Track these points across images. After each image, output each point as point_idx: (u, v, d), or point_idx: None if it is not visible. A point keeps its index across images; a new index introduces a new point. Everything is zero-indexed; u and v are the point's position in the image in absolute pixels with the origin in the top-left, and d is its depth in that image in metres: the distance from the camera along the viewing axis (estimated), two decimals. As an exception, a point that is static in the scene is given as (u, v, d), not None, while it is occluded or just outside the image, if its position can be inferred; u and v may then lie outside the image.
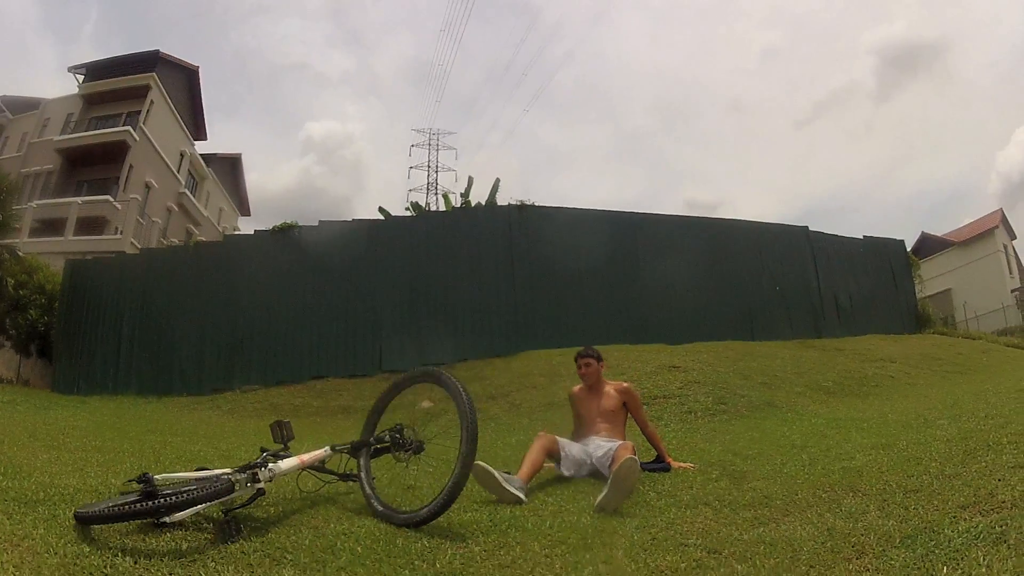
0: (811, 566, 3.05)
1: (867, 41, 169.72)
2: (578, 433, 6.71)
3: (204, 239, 36.99)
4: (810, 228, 22.17)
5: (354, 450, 4.80)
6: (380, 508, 4.33)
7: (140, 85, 41.15)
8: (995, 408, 7.49)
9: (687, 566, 3.21)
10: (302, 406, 14.65)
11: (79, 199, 37.28)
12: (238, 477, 3.94)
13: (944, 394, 11.29)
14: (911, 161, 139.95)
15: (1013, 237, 51.95)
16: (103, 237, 35.57)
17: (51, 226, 35.47)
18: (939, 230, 53.22)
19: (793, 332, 19.03)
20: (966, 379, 14.43)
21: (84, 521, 3.59)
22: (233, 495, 3.84)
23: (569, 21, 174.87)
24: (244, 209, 57.70)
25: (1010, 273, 48.91)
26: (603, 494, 4.64)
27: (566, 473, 6.14)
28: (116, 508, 3.61)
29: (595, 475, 5.93)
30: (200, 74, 48.99)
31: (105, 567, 3.02)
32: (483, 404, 12.96)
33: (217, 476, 4.07)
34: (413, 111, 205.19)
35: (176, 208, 44.08)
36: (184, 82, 47.28)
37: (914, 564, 2.90)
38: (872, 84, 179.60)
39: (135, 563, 3.09)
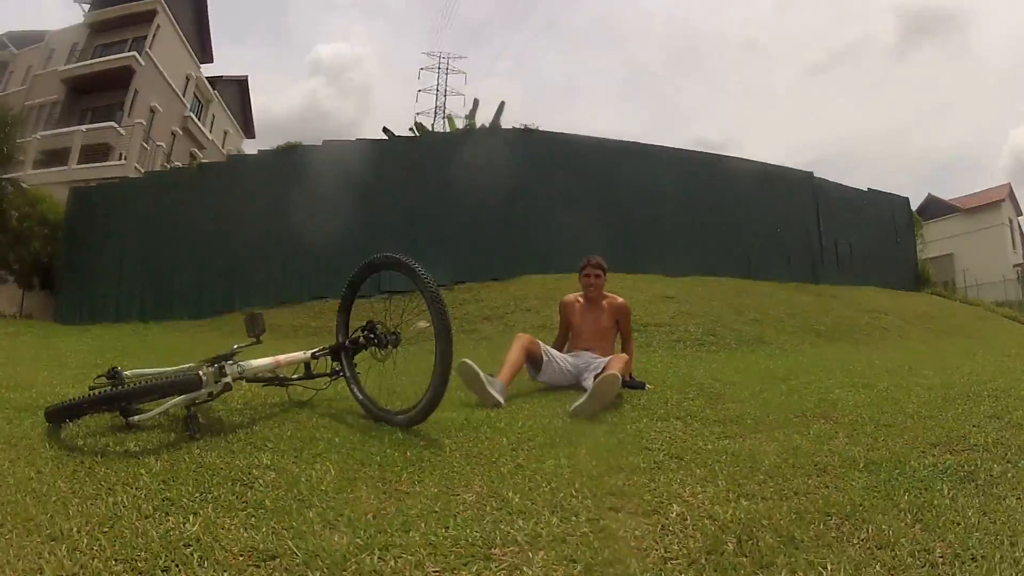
0: (769, 476, 3.09)
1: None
2: (566, 343, 6.64)
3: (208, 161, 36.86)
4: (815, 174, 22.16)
5: (334, 353, 4.73)
6: (360, 396, 4.38)
7: (146, 10, 40.65)
8: (982, 366, 7.55)
9: (647, 466, 3.28)
10: (301, 326, 14.87)
11: (83, 127, 37.02)
12: (206, 371, 3.85)
13: (934, 350, 11.36)
14: (921, 123, 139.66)
15: (1019, 213, 51.75)
16: (107, 164, 35.28)
17: (55, 156, 35.19)
18: (944, 195, 53.00)
19: (790, 275, 19.15)
20: (958, 340, 14.52)
21: (54, 417, 3.76)
22: (201, 391, 3.81)
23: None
24: (249, 132, 57.08)
25: (1013, 248, 48.75)
26: (580, 401, 4.71)
27: (541, 379, 6.14)
28: (91, 397, 3.74)
29: (576, 387, 5.93)
30: (207, -4, 48.45)
31: (96, 456, 3.24)
32: (478, 324, 13.43)
33: (184, 370, 4.09)
34: (423, 34, 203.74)
35: (181, 132, 43.75)
36: (191, 5, 46.67)
37: (875, 488, 2.91)
38: (889, 41, 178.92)
39: (124, 453, 3.32)
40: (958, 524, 2.48)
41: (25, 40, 42.33)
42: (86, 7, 42.09)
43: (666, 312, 12.52)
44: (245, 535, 2.33)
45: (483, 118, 29.34)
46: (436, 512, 2.59)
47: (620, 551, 2.26)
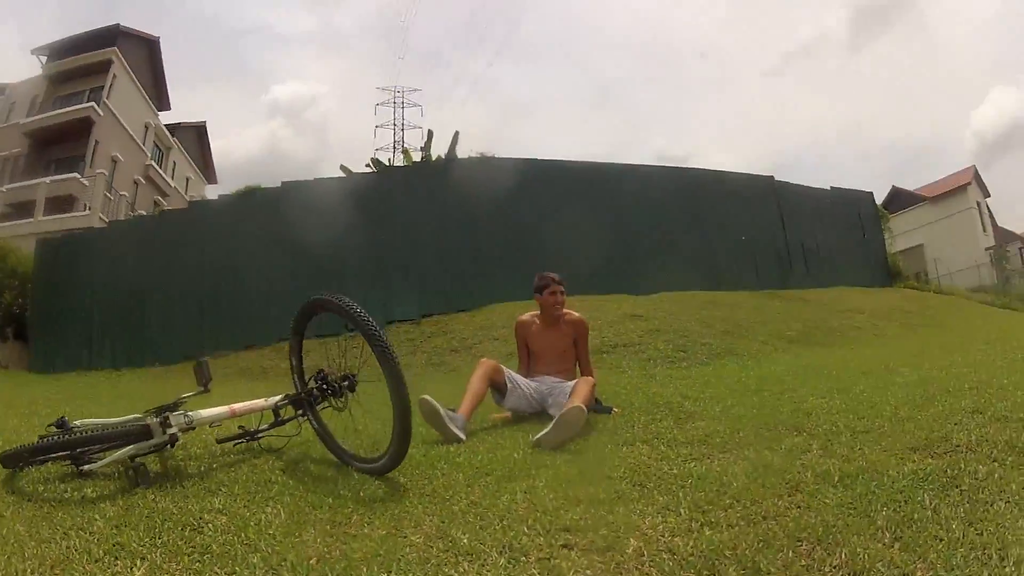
0: (737, 499, 2.92)
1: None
2: (529, 369, 6.25)
3: (169, 208, 36.72)
4: (776, 178, 22.14)
5: (294, 403, 4.41)
6: (331, 444, 4.15)
7: (102, 60, 40.63)
8: (961, 358, 7.44)
9: (607, 496, 3.13)
10: (271, 368, 14.55)
11: (47, 179, 36.95)
12: (152, 421, 3.71)
13: (910, 345, 11.31)
14: (883, 116, 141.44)
15: (987, 195, 51.88)
16: (72, 215, 35.12)
17: (21, 209, 35.25)
18: (911, 186, 53.23)
19: (759, 283, 19.06)
20: (935, 332, 14.51)
21: (7, 462, 3.82)
22: (150, 441, 3.67)
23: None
24: (211, 177, 56.92)
25: (984, 231, 48.91)
26: (544, 432, 4.51)
27: (507, 406, 5.84)
28: (38, 444, 3.80)
29: (541, 414, 5.68)
30: (161, 44, 48.48)
31: (53, 502, 3.29)
32: (446, 357, 13.28)
33: (132, 420, 3.95)
34: (379, 68, 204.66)
35: (143, 180, 43.60)
36: (146, 54, 46.61)
37: (850, 504, 2.76)
38: (844, 35, 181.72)
39: (81, 499, 3.32)
40: (941, 540, 2.33)
41: (-15, 93, 42.01)
42: (43, 59, 41.97)
43: (634, 331, 12.32)
44: (186, 581, 2.30)
45: (440, 149, 29.35)
46: (380, 556, 2.51)
47: (569, 594, 2.10)
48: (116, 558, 2.48)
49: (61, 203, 35.90)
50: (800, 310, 15.91)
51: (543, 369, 6.16)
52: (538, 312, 6.29)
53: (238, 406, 4.22)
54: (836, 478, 3.11)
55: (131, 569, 2.38)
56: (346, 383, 4.09)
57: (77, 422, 4.24)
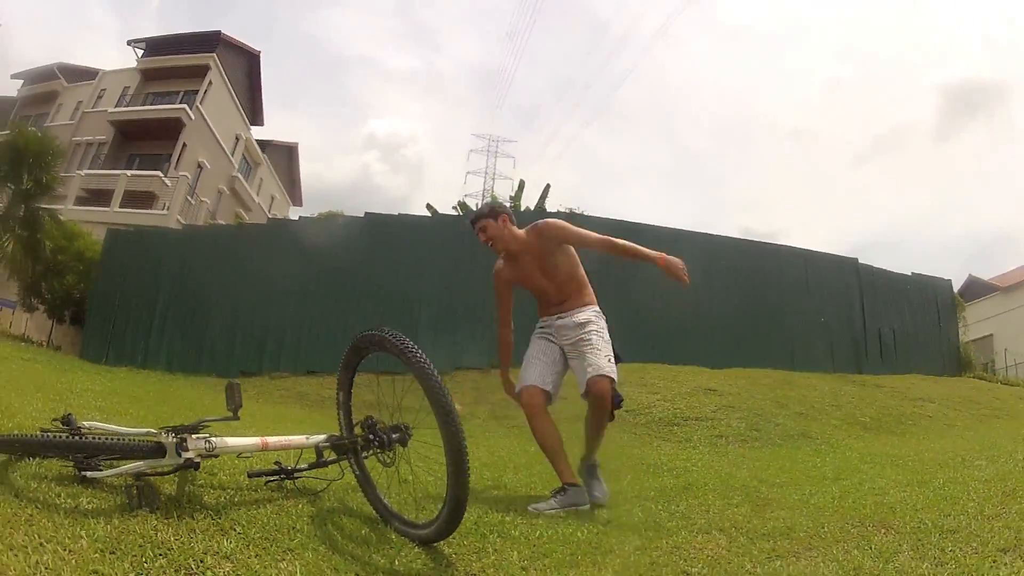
0: (831, 615, 2.61)
1: (930, 80, 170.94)
2: (509, 324, 5.83)
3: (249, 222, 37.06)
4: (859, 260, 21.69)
5: (338, 450, 3.97)
6: (360, 476, 3.82)
7: (199, 65, 41.61)
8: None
9: None
10: (329, 397, 14.27)
11: (128, 172, 37.59)
12: (167, 440, 3.30)
13: (981, 436, 10.99)
14: (965, 203, 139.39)
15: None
16: (149, 211, 35.83)
17: (99, 196, 36.05)
18: (986, 274, 52.13)
19: (834, 365, 18.56)
20: (1003, 424, 14.06)
21: (2, 446, 3.56)
22: (164, 461, 3.29)
23: (635, 36, 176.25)
24: (296, 199, 57.73)
25: (1054, 323, 47.67)
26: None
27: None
28: (35, 437, 3.49)
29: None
30: (261, 59, 49.29)
31: (42, 506, 2.89)
32: (512, 411, 12.61)
33: (145, 434, 3.65)
34: (475, 115, 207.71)
35: (227, 191, 44.39)
36: (244, 66, 47.60)
37: (951, 617, 2.45)
38: (932, 123, 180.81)
39: (73, 509, 2.92)
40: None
41: (77, 75, 43.51)
42: (139, 51, 42.90)
43: (708, 405, 12.13)
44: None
45: (529, 201, 29.39)
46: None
47: None
48: (84, 590, 2.14)
49: (139, 198, 36.76)
50: (874, 396, 15.45)
51: (545, 310, 5.65)
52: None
53: (272, 439, 3.79)
54: (932, 586, 2.82)
55: (100, 609, 1.98)
56: (396, 436, 3.71)
57: (85, 423, 3.96)
